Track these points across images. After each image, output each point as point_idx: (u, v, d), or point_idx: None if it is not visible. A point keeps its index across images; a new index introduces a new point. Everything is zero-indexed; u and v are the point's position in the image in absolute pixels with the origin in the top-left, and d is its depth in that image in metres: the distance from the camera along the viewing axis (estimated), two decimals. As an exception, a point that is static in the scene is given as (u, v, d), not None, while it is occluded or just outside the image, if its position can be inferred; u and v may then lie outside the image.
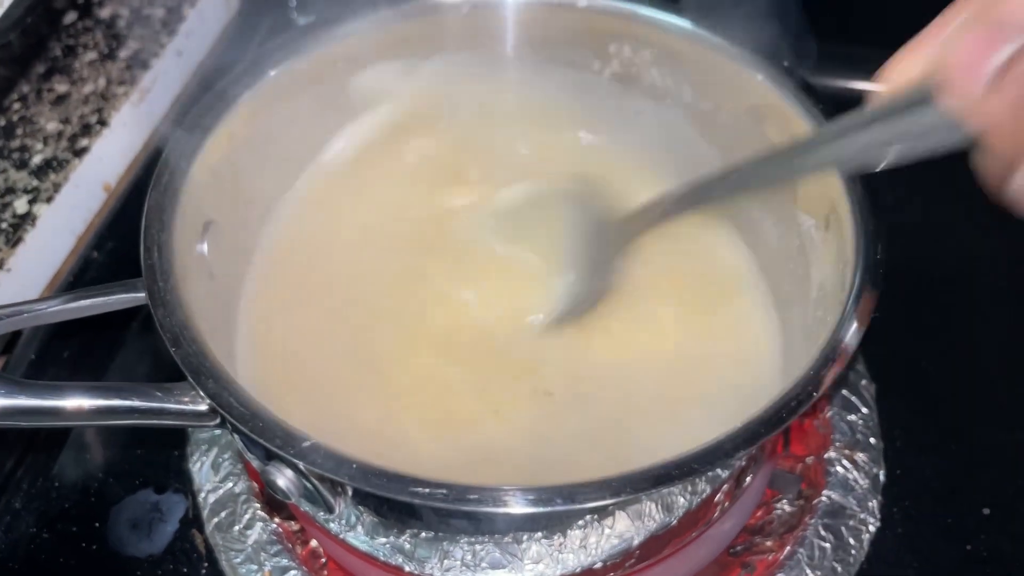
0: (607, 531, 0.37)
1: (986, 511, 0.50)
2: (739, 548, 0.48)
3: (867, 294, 0.38)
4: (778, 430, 0.34)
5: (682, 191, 0.43)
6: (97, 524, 0.50)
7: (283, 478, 0.36)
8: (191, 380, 0.36)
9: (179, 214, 0.42)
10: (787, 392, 0.34)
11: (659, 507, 0.37)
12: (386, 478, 0.33)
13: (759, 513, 0.49)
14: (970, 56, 0.28)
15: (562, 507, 0.33)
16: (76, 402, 0.36)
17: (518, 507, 0.33)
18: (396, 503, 0.37)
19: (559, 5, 0.51)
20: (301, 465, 0.34)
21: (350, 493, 0.37)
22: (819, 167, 0.39)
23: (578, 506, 0.33)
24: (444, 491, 0.33)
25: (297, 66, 0.48)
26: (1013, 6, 0.28)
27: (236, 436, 0.38)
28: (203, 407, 0.37)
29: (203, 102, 0.45)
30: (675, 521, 0.38)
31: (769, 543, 0.48)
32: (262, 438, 0.34)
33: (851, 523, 0.48)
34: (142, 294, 0.39)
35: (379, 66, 0.52)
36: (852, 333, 0.37)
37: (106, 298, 0.40)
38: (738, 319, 0.48)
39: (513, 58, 0.53)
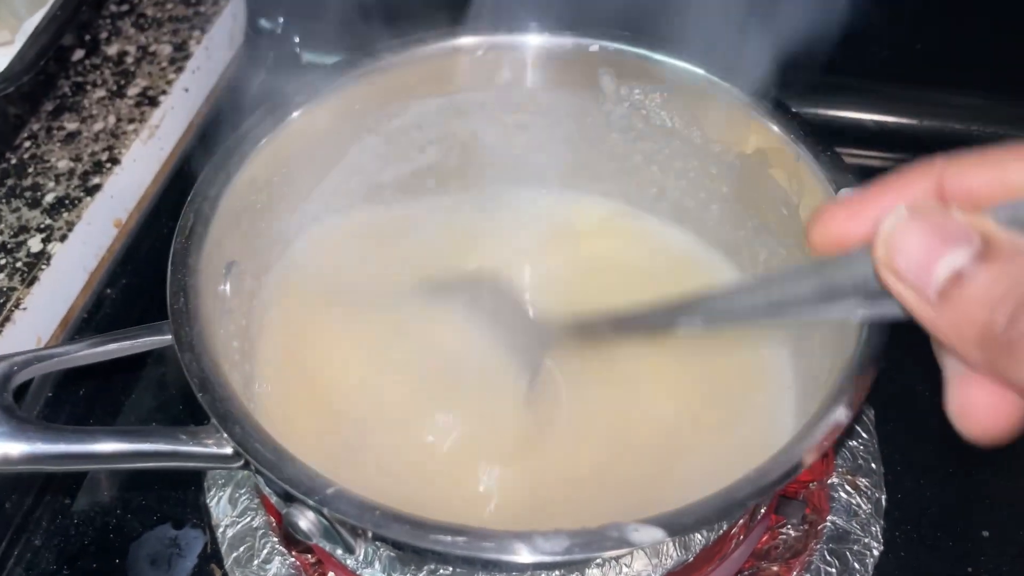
0: (624, 570, 0.38)
1: (985, 533, 0.51)
2: (746, 574, 0.48)
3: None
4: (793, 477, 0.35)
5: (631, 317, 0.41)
6: (117, 560, 0.51)
7: (305, 520, 0.37)
8: (218, 425, 0.36)
9: (203, 257, 0.42)
10: (797, 440, 0.36)
11: (677, 545, 0.37)
12: (409, 524, 0.33)
13: (765, 538, 0.50)
14: (920, 256, 0.27)
15: (579, 555, 0.33)
16: (107, 447, 0.36)
17: (536, 556, 0.33)
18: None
19: (573, 48, 0.51)
20: (324, 510, 0.35)
21: (370, 535, 0.37)
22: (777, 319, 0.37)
23: (598, 554, 0.34)
24: (465, 539, 0.33)
25: (317, 109, 0.49)
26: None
27: (259, 477, 0.38)
28: (228, 450, 0.37)
29: (226, 146, 0.46)
30: (692, 558, 0.39)
31: (776, 568, 0.48)
32: (287, 484, 0.35)
33: (855, 548, 0.49)
34: (168, 336, 0.40)
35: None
36: (854, 387, 0.38)
37: (133, 341, 0.41)
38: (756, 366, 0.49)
39: (527, 96, 0.54)
